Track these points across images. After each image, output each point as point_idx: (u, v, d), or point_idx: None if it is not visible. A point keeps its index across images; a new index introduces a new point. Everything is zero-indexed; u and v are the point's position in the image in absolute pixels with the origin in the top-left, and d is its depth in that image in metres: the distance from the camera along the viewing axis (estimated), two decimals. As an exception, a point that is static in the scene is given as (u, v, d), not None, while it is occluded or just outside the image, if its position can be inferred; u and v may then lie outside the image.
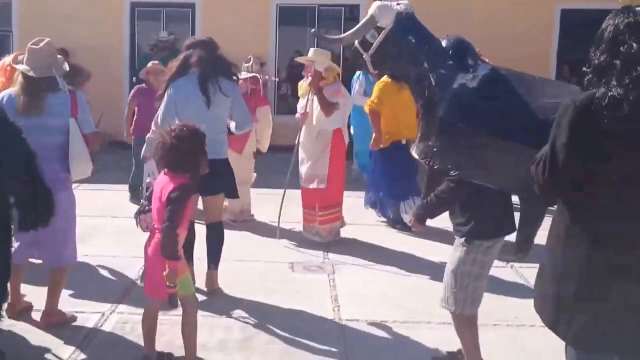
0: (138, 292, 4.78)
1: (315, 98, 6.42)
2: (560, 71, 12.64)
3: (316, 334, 4.57)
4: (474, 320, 3.83)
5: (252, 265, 5.92)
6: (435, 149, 3.31)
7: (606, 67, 2.47)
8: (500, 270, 5.49)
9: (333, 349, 4.38)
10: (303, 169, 6.64)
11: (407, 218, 6.68)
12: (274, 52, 12.24)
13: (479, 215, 3.61)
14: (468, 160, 3.28)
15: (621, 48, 2.45)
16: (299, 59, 6.90)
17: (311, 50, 6.70)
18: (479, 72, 3.33)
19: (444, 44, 3.55)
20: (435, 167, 3.42)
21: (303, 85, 6.80)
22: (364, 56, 3.81)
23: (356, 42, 3.86)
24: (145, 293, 4.02)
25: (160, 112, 5.02)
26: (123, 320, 4.65)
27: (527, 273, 5.67)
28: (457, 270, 3.69)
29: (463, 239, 3.67)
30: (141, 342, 4.09)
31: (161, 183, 3.88)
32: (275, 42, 12.25)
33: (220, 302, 5.00)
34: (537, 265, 2.78)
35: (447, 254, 3.90)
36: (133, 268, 5.59)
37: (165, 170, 3.91)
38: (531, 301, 2.79)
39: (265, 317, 4.81)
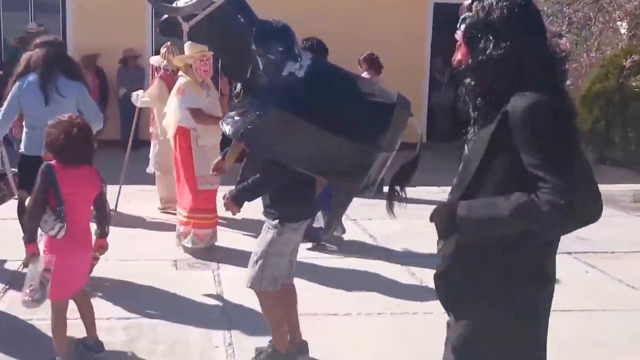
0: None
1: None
2: (435, 64, 13.14)
3: (200, 331, 4.54)
4: (281, 298, 4.00)
5: (135, 264, 5.79)
6: (249, 127, 3.35)
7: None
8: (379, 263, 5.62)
9: (219, 345, 4.35)
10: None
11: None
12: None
13: (288, 199, 3.76)
14: (282, 144, 3.39)
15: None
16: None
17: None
18: (304, 62, 3.42)
19: (271, 27, 3.60)
20: (246, 145, 3.55)
21: None
22: (182, 26, 3.76)
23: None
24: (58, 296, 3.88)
25: (3, 107, 5.10)
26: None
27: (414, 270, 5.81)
28: (267, 251, 3.84)
29: (276, 221, 3.81)
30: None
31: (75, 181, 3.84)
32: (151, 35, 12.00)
33: (100, 304, 4.86)
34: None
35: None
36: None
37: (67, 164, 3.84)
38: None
39: (149, 316, 4.73)
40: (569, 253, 6.51)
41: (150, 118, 7.71)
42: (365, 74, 9.14)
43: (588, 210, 2.29)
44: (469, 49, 2.31)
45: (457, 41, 2.37)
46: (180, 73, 6.22)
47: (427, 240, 6.66)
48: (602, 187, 7.03)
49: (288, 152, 3.38)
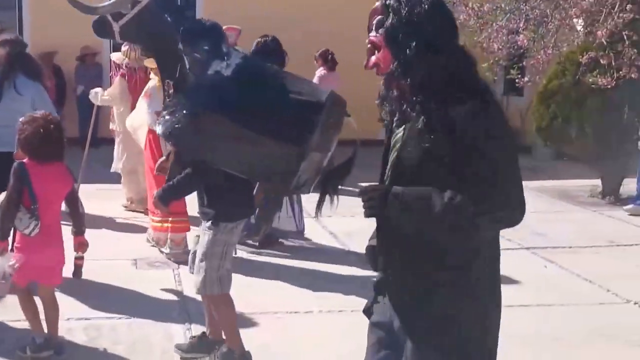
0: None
1: None
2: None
3: (161, 330, 4.51)
4: (230, 299, 3.99)
5: (95, 264, 5.70)
6: (177, 127, 3.29)
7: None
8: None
9: (179, 344, 4.30)
10: None
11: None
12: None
13: (223, 199, 3.78)
14: (207, 144, 3.32)
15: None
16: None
17: None
18: (232, 61, 3.37)
19: (199, 26, 3.62)
20: (173, 145, 3.56)
21: None
22: (113, 26, 3.79)
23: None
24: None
25: None
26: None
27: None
28: (207, 253, 3.83)
29: (209, 222, 3.82)
30: None
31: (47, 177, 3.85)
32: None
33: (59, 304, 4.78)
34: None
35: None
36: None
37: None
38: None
39: (109, 316, 4.67)
40: (528, 248, 6.61)
41: (110, 115, 7.63)
42: (320, 70, 9.18)
43: (512, 217, 2.23)
44: (393, 51, 2.24)
45: (371, 43, 2.31)
46: (151, 75, 6.15)
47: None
48: (560, 183, 7.19)
49: (214, 153, 3.32)
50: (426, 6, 2.20)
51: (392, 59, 2.23)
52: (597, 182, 9.03)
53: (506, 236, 6.93)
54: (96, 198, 7.59)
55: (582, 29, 7.80)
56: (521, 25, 7.48)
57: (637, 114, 8.00)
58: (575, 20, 7.83)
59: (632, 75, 6.77)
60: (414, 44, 2.17)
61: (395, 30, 2.21)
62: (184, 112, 3.29)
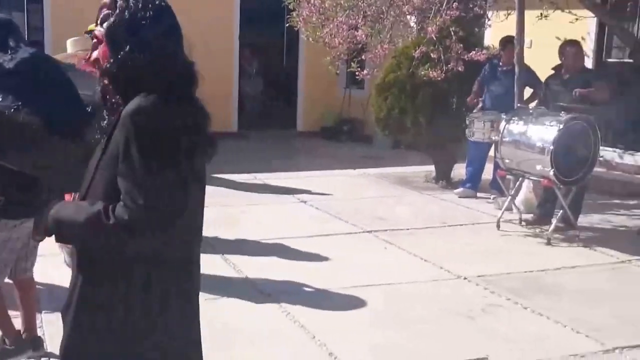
0: None
1: None
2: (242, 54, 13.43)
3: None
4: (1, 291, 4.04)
5: None
6: None
7: None
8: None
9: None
10: None
11: None
12: None
13: (5, 194, 3.69)
14: None
15: None
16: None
17: None
18: (19, 55, 3.38)
19: None
20: None
21: None
22: None
23: None
24: None
25: None
26: None
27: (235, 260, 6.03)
28: None
29: None
30: None
31: None
32: None
33: None
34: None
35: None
36: None
37: None
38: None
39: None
40: (370, 232, 7.02)
41: None
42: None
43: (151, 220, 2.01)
44: (110, 49, 2.13)
45: (95, 38, 2.22)
46: None
47: (243, 228, 6.94)
48: (399, 170, 7.71)
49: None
50: (151, 12, 2.12)
51: (109, 56, 2.14)
52: (431, 168, 9.64)
53: (350, 220, 7.36)
54: None
55: (415, 25, 8.31)
56: (360, 21, 7.85)
57: (465, 105, 8.62)
58: (408, 17, 8.33)
59: (459, 69, 7.31)
60: (129, 45, 2.09)
61: (115, 28, 2.12)
62: None
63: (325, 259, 6.13)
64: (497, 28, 9.49)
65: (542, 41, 7.95)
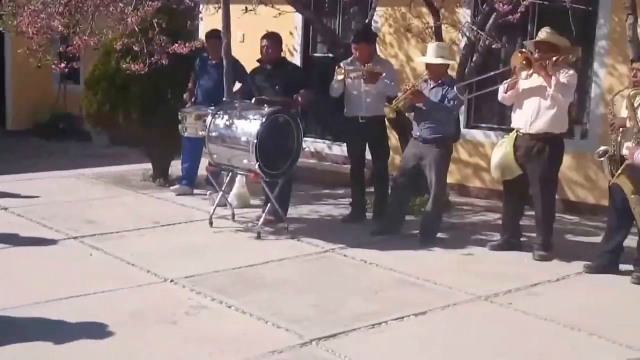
0: None
1: None
2: None
3: None
4: None
5: None
6: None
7: None
8: None
9: None
10: None
11: None
12: None
13: None
14: None
15: None
16: None
17: None
18: None
19: None
20: None
21: None
22: None
23: None
24: None
25: None
26: None
27: None
28: None
29: None
30: None
31: None
32: None
33: None
34: None
35: None
36: None
37: None
38: None
39: None
40: (75, 238, 6.53)
41: None
42: None
43: None
44: None
45: None
46: None
47: None
48: (117, 169, 7.25)
49: None
50: None
51: None
52: (149, 165, 9.31)
53: (54, 227, 6.80)
54: None
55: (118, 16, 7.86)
56: (58, 10, 7.28)
57: (181, 99, 8.38)
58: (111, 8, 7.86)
59: (164, 62, 7.05)
60: None
61: None
62: None
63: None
64: (209, 21, 9.40)
65: (255, 35, 7.97)
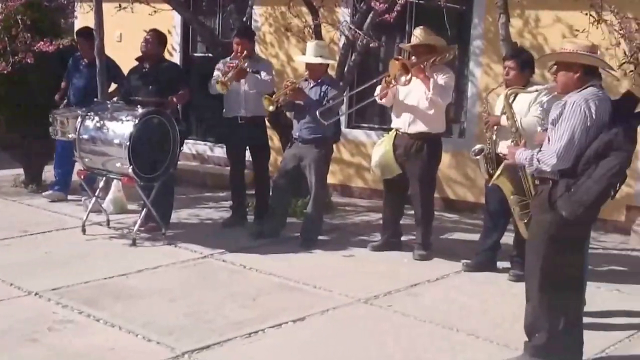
0: None
1: None
2: None
3: None
4: None
5: None
6: None
7: None
8: None
9: None
10: None
11: None
12: None
13: None
14: None
15: None
16: None
17: None
18: None
19: None
20: None
21: None
22: None
23: None
24: None
25: None
26: None
27: None
28: None
29: None
30: None
31: None
32: None
33: None
34: None
35: None
36: None
37: None
38: None
39: None
40: None
41: None
42: None
43: None
44: None
45: None
46: None
47: None
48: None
49: None
50: None
51: None
52: (21, 171, 8.81)
53: None
54: None
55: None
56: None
57: (54, 101, 7.96)
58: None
59: (28, 60, 6.65)
60: None
61: None
62: None
63: None
64: (84, 19, 9.01)
65: (133, 34, 7.66)
